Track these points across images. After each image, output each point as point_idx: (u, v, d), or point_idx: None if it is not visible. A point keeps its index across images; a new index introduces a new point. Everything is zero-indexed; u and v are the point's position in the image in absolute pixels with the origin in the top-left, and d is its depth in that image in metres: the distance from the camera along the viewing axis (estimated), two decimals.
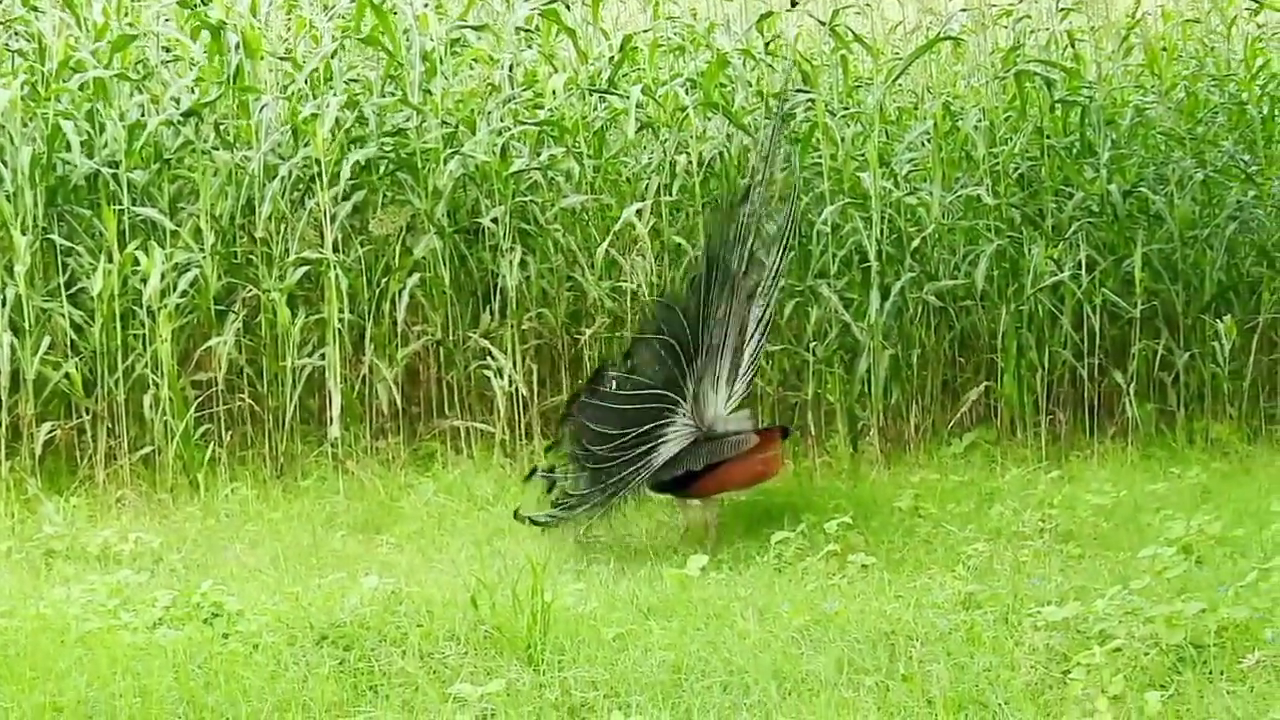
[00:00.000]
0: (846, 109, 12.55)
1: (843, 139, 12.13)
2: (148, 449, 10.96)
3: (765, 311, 9.92)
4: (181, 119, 11.69)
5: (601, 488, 9.56)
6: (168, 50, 12.34)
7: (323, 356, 11.21)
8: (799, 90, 12.20)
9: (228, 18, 11.76)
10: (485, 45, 12.71)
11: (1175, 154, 12.86)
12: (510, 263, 11.64)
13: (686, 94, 12.21)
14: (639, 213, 11.62)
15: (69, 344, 11.10)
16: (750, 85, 12.70)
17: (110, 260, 10.90)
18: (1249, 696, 5.87)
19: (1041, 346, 11.96)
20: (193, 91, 12.04)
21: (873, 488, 10.57)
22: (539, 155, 12.20)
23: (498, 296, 11.78)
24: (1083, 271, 11.89)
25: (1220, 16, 14.46)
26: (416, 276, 11.61)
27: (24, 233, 10.94)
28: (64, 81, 11.59)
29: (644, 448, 9.61)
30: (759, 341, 9.90)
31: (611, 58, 12.80)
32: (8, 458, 10.78)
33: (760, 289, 9.91)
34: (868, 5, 13.66)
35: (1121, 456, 11.48)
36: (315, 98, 11.81)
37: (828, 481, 10.91)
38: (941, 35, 12.93)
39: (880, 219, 11.64)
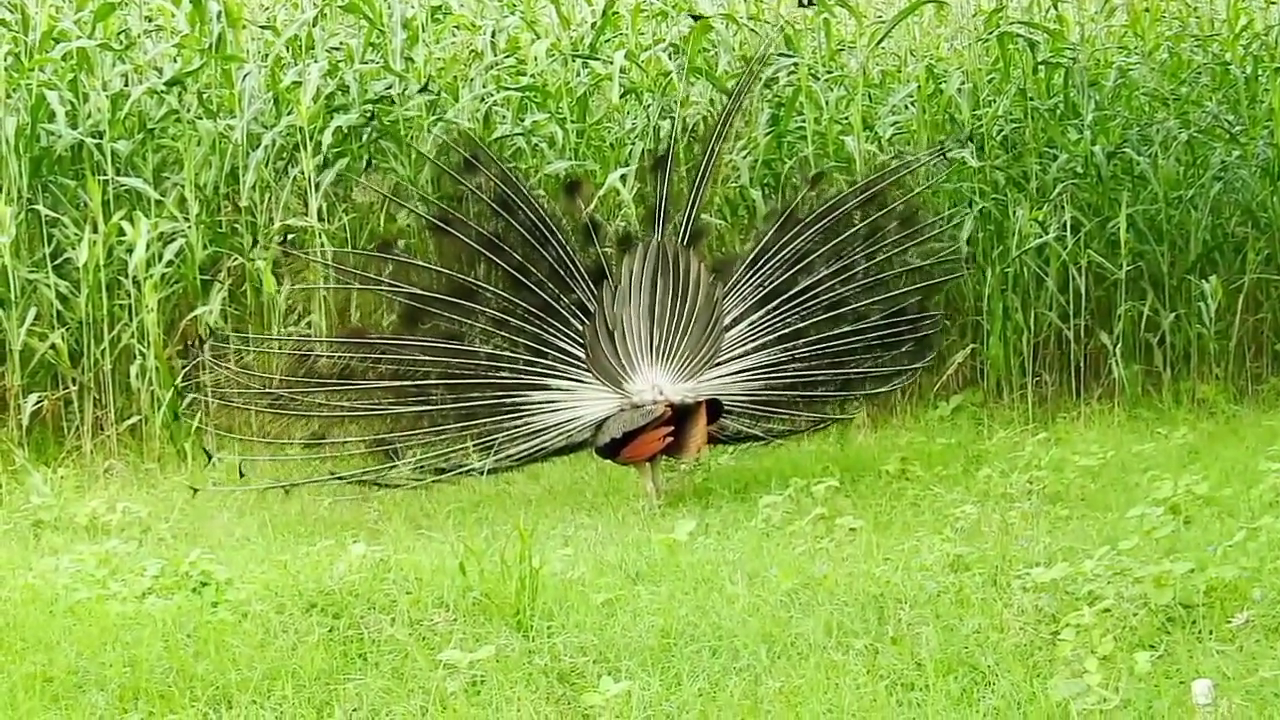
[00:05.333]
0: (830, 73, 12.54)
1: (826, 103, 12.12)
2: (135, 419, 10.96)
3: (779, 302, 9.87)
4: (165, 88, 11.67)
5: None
6: (150, 19, 12.31)
7: (309, 325, 11.20)
8: (782, 54, 12.19)
9: None
10: (467, 12, 12.69)
11: (1159, 115, 12.87)
12: None
13: (670, 59, 12.19)
14: (623, 178, 11.60)
15: (55, 315, 11.09)
16: (734, 50, 12.68)
17: (95, 230, 10.89)
18: (1238, 655, 5.87)
19: (1027, 309, 11.97)
20: (175, 60, 12.02)
21: (860, 451, 10.57)
22: (522, 121, 12.18)
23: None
24: (1068, 233, 11.90)
25: None
26: (401, 243, 11.58)
27: (9, 203, 10.93)
28: (47, 51, 11.57)
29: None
30: (769, 329, 9.85)
31: (594, 23, 12.79)
32: None
33: (743, 274, 9.84)
34: None
35: (1108, 418, 11.48)
36: (297, 65, 11.79)
37: (815, 445, 10.90)
38: None
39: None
